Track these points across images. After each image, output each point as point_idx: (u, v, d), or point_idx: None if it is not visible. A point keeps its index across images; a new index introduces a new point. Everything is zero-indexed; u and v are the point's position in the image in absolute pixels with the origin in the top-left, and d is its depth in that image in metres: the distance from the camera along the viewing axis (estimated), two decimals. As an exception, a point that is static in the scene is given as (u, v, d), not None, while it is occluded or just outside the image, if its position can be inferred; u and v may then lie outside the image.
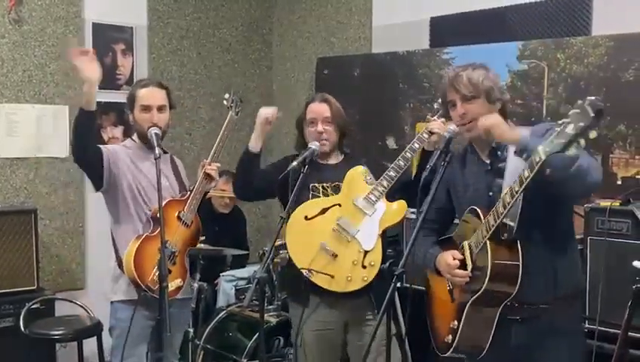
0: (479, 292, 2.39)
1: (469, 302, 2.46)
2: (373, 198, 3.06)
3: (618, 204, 3.20)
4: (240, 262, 4.93)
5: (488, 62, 2.60)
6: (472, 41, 4.20)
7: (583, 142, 1.99)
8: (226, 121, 3.33)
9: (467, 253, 2.51)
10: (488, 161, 2.54)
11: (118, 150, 3.23)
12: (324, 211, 3.09)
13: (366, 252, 3.04)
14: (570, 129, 2.00)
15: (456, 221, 2.69)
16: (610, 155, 3.67)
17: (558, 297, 2.44)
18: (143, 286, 3.00)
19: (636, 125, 3.59)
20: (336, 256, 3.02)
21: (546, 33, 4.03)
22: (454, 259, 2.52)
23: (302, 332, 3.12)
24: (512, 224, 2.34)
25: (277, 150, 5.79)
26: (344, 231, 3.04)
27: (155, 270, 2.94)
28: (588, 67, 3.75)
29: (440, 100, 2.76)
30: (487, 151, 2.55)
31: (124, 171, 3.17)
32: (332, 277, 3.01)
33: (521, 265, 2.34)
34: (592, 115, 1.96)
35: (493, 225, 2.35)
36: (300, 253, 3.07)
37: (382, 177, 3.08)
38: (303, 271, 3.02)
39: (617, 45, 3.64)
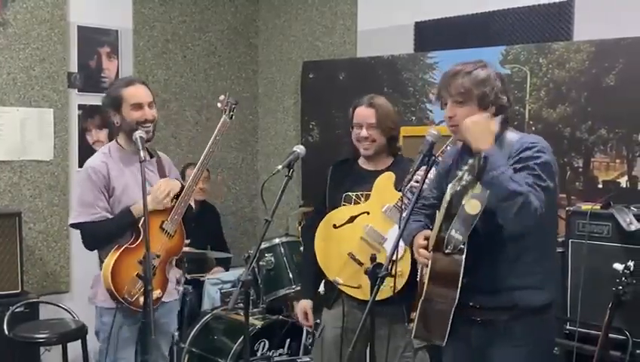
0: (423, 295, 2.46)
1: (421, 299, 2.48)
2: (402, 206, 2.99)
3: (599, 207, 3.25)
4: (224, 264, 4.94)
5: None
6: (455, 46, 4.23)
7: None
8: (219, 125, 3.15)
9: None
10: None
11: (107, 168, 3.08)
12: (352, 219, 3.06)
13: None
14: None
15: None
16: (592, 159, 3.72)
17: (514, 308, 2.40)
18: (120, 299, 2.94)
19: (617, 129, 3.64)
20: (364, 265, 2.96)
21: (528, 38, 4.09)
22: (425, 238, 2.51)
23: (324, 329, 3.15)
24: (459, 238, 2.33)
25: (262, 153, 5.81)
26: (372, 239, 3.02)
27: (139, 285, 2.90)
28: (569, 72, 3.80)
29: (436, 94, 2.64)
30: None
31: (119, 185, 3.09)
32: (359, 287, 2.99)
33: (461, 274, 2.35)
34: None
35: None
36: (328, 262, 3.08)
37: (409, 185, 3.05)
38: (332, 281, 3.04)
39: (598, 50, 3.69)
